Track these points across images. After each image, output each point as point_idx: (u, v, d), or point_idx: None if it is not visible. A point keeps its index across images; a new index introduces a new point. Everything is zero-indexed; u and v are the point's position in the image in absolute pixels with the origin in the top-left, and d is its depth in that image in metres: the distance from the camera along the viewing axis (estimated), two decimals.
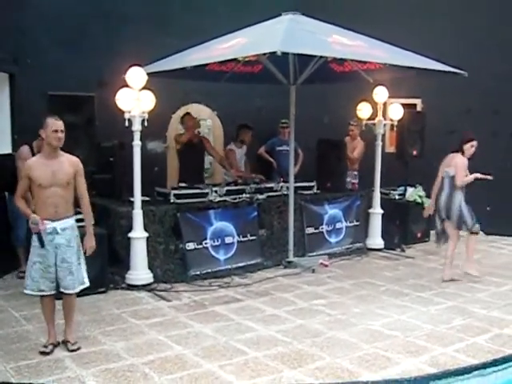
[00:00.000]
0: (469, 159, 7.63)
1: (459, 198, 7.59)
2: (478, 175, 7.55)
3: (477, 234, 7.82)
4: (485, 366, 5.04)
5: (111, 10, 9.06)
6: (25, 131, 7.71)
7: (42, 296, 5.28)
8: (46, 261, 5.15)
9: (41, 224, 5.03)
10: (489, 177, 7.65)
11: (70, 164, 5.26)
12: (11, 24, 7.69)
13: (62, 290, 5.28)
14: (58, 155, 5.20)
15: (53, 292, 5.26)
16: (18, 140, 7.75)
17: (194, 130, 8.89)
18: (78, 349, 5.28)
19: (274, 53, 5.98)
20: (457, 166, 7.53)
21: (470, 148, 7.60)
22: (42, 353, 5.19)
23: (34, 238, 5.16)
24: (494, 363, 5.08)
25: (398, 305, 6.67)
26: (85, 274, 5.39)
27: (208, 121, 10.42)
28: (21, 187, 5.21)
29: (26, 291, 5.28)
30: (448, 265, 7.72)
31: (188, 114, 9.01)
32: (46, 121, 5.18)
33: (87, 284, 5.44)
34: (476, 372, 4.95)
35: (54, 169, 5.13)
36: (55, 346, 5.32)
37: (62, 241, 5.18)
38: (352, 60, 8.13)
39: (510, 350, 5.33)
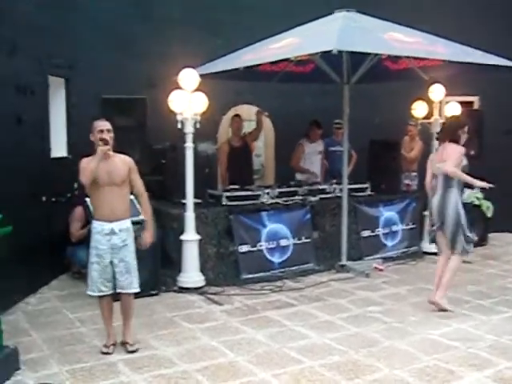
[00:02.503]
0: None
1: (455, 196, 6.38)
2: (479, 183, 6.43)
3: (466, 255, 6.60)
4: None
5: (160, 13, 9.02)
6: (80, 134, 7.79)
7: (100, 296, 5.30)
8: (103, 261, 5.19)
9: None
10: (490, 185, 6.53)
11: (123, 163, 5.26)
12: (64, 29, 7.71)
13: (119, 290, 5.29)
14: (110, 156, 5.17)
15: (111, 292, 5.29)
16: (73, 143, 7.80)
17: (240, 133, 8.82)
18: (137, 350, 5.29)
19: (330, 51, 5.83)
20: (449, 155, 6.30)
21: (463, 134, 6.50)
22: (104, 353, 5.22)
23: (92, 239, 5.20)
24: None
25: (458, 313, 6.41)
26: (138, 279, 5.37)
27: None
28: (84, 179, 5.11)
29: (88, 292, 5.34)
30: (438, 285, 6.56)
31: (236, 116, 8.95)
32: (93, 124, 5.20)
33: (138, 289, 5.40)
34: None
35: (109, 169, 5.14)
36: (115, 346, 5.33)
37: (119, 241, 5.20)
38: (408, 57, 7.89)
39: None
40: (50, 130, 7.54)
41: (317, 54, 6.85)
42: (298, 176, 9.28)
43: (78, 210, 7.47)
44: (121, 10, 8.72)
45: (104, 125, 5.18)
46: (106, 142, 5.09)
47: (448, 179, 6.35)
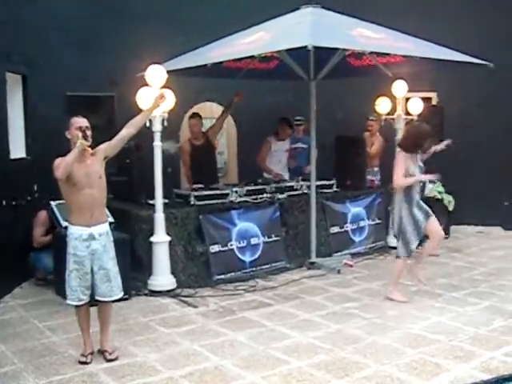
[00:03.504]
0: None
1: (398, 203, 6.53)
2: (422, 176, 6.63)
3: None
4: None
5: (122, 8, 8.79)
6: (39, 134, 7.52)
7: (79, 305, 5.07)
8: (82, 268, 4.96)
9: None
10: (435, 176, 6.86)
11: (96, 158, 5.05)
12: (22, 25, 7.41)
13: (98, 297, 5.09)
14: (87, 156, 4.96)
15: (89, 299, 5.08)
16: (31, 143, 7.50)
17: (199, 133, 8.65)
18: (117, 358, 5.08)
19: (304, 48, 5.76)
20: (395, 164, 6.51)
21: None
22: (82, 362, 5.00)
23: (70, 245, 4.95)
24: None
25: (434, 306, 6.44)
26: (120, 283, 5.18)
27: None
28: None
29: (67, 301, 5.10)
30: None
31: (192, 115, 8.74)
32: (70, 121, 4.97)
33: (122, 293, 5.23)
34: None
35: (87, 170, 4.92)
36: (92, 355, 5.10)
37: (99, 247, 4.99)
38: (372, 53, 7.91)
39: None
40: (8, 130, 7.23)
41: (287, 50, 6.77)
42: (266, 175, 9.16)
43: (42, 214, 7.21)
44: (82, 6, 8.42)
45: (83, 121, 4.97)
46: (86, 138, 4.88)
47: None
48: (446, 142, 7.06)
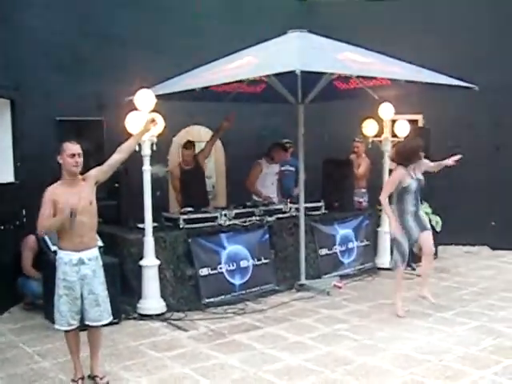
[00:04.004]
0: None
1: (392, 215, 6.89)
2: (392, 224, 6.84)
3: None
4: None
5: (109, 33, 8.82)
6: (28, 158, 7.53)
7: (68, 330, 5.04)
8: (72, 293, 4.93)
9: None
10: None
11: (86, 183, 5.06)
12: (10, 50, 7.46)
13: (87, 322, 5.07)
14: (77, 181, 4.98)
15: (78, 324, 5.05)
16: (20, 168, 7.51)
17: (191, 161, 8.71)
18: (108, 383, 5.06)
19: (293, 72, 5.83)
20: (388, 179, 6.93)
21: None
22: None
23: (59, 270, 4.94)
24: None
25: (423, 326, 6.48)
26: (109, 307, 5.17)
27: None
28: (46, 213, 4.85)
29: (56, 326, 5.06)
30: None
31: (185, 144, 8.78)
32: (62, 146, 4.97)
33: (111, 317, 5.22)
34: None
35: (78, 196, 4.90)
36: (83, 380, 5.08)
37: (88, 271, 4.98)
38: (358, 77, 8.02)
39: None
40: None
41: (275, 74, 6.84)
42: (256, 197, 9.18)
43: (30, 239, 7.19)
44: (70, 31, 8.48)
45: (76, 148, 4.97)
46: (76, 166, 4.92)
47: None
48: (456, 158, 7.01)
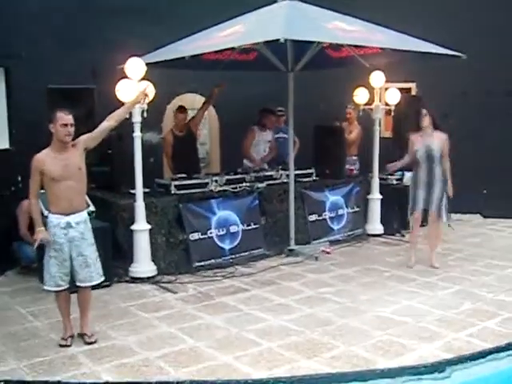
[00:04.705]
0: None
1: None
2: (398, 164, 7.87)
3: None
4: (498, 349, 5.05)
5: (102, 1, 8.87)
6: (22, 125, 7.66)
7: (57, 291, 5.25)
8: (61, 255, 5.13)
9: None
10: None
11: (76, 150, 5.21)
12: (4, 19, 7.54)
13: (77, 283, 5.27)
14: (67, 148, 5.13)
15: (68, 285, 5.26)
16: (15, 135, 7.64)
17: (184, 126, 8.82)
18: (96, 341, 5.28)
19: (278, 40, 5.92)
20: None
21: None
22: (62, 345, 5.19)
23: (49, 233, 5.13)
24: (508, 347, 5.09)
25: (406, 290, 6.67)
26: (100, 268, 5.37)
27: None
28: (34, 185, 5.10)
29: (45, 287, 5.28)
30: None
31: (177, 108, 8.90)
32: (54, 115, 5.09)
33: (103, 278, 5.42)
34: (491, 356, 4.97)
35: (66, 162, 5.09)
36: (72, 338, 5.31)
37: (77, 234, 5.16)
38: (349, 45, 8.10)
39: None
40: None
41: (264, 42, 6.93)
42: (247, 162, 9.32)
43: (25, 204, 7.33)
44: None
45: (68, 118, 5.10)
46: (69, 136, 5.09)
47: None
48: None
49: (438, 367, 4.71)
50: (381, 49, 7.74)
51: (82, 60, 8.22)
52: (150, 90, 6.75)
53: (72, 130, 5.12)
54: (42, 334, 5.51)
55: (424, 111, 7.54)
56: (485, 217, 10.80)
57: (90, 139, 5.36)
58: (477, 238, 9.30)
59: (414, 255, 7.71)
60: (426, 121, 7.49)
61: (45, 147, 5.19)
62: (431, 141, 7.44)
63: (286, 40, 5.99)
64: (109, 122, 5.55)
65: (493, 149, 10.54)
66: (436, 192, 7.48)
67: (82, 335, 5.35)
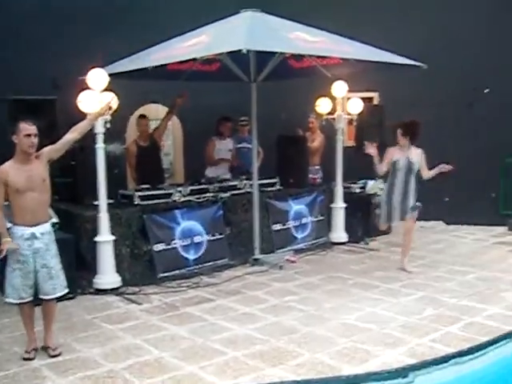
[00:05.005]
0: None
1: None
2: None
3: None
4: (461, 354, 5.12)
5: (63, 11, 8.83)
6: None
7: (20, 304, 5.18)
8: (26, 267, 5.09)
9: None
10: None
11: (40, 161, 5.17)
12: None
13: (42, 296, 5.22)
14: (30, 160, 5.09)
15: (32, 298, 5.20)
16: None
17: (147, 133, 8.81)
18: (60, 353, 5.22)
19: (240, 51, 5.97)
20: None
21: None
22: (26, 359, 5.12)
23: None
24: (470, 351, 5.17)
25: (369, 297, 6.74)
26: (64, 280, 5.32)
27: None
28: None
29: (7, 300, 5.21)
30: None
31: (140, 116, 8.91)
32: (18, 126, 5.06)
33: (67, 290, 5.38)
34: (453, 361, 5.03)
35: (30, 174, 5.06)
36: (36, 351, 5.24)
37: (41, 245, 5.13)
38: (311, 56, 8.19)
39: (482, 338, 5.40)
40: None
41: (226, 53, 6.97)
42: (209, 173, 9.32)
43: None
44: (23, 8, 8.48)
45: (32, 129, 5.07)
46: (32, 147, 5.05)
47: None
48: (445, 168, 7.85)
49: (401, 373, 4.75)
50: (343, 59, 7.85)
51: (43, 70, 8.15)
52: (114, 102, 6.72)
53: (35, 140, 5.09)
54: (5, 348, 5.44)
55: (399, 131, 7.78)
56: (447, 223, 10.97)
57: (53, 151, 5.33)
58: (439, 245, 9.44)
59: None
60: (402, 140, 7.80)
61: (7, 159, 5.13)
62: (410, 154, 7.77)
63: (248, 51, 6.03)
64: (72, 135, 5.52)
65: (453, 158, 10.70)
66: (410, 201, 7.77)
67: (45, 348, 5.30)
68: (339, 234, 9.43)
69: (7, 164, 5.10)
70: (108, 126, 6.88)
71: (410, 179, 7.78)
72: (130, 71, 7.25)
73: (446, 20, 10.60)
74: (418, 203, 7.81)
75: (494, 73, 10.64)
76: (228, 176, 9.32)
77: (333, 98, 9.25)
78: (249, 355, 5.16)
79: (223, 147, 9.46)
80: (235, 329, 5.81)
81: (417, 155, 7.80)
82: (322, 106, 9.31)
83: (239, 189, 8.68)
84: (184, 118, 9.90)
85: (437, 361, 4.98)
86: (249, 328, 5.82)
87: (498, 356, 5.28)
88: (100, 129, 6.85)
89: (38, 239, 5.12)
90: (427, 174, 7.85)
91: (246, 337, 5.60)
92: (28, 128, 5.06)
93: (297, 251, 8.78)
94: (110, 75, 6.98)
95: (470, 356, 5.10)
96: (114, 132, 7.52)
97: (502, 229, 10.41)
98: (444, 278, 7.51)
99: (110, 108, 6.18)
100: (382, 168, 7.89)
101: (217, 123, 9.48)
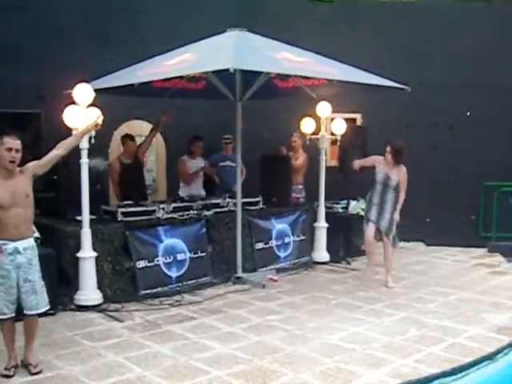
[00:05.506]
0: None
1: None
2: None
3: None
4: (444, 374, 5.15)
5: (49, 24, 8.81)
6: None
7: (1, 319, 5.10)
8: (7, 281, 5.01)
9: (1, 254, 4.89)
10: None
11: (24, 176, 5.13)
12: None
13: (25, 311, 5.15)
14: (14, 174, 5.05)
15: (13, 314, 5.12)
16: None
17: (133, 154, 8.80)
18: (41, 371, 5.13)
19: (227, 70, 5.99)
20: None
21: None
22: (5, 376, 5.03)
23: None
24: (453, 372, 5.20)
25: (352, 317, 6.73)
26: (46, 296, 5.25)
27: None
28: None
29: None
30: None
31: (127, 136, 8.89)
32: (1, 139, 5.00)
33: (48, 306, 5.32)
34: (436, 381, 5.06)
35: (14, 189, 4.99)
36: (16, 368, 5.15)
37: (24, 260, 5.06)
38: (296, 76, 8.24)
39: (465, 359, 5.45)
40: None
41: (213, 72, 6.99)
42: (182, 192, 9.36)
43: None
44: (7, 20, 8.45)
45: (14, 144, 5.01)
46: (13, 162, 4.99)
47: None
48: None
49: None
50: (327, 80, 7.90)
51: (28, 83, 8.11)
52: (100, 119, 6.70)
53: (17, 155, 5.03)
54: None
55: (388, 148, 8.02)
56: (428, 245, 11.04)
57: (38, 166, 5.29)
58: (421, 266, 9.49)
59: (374, 264, 8.47)
60: (389, 157, 8.02)
61: None
62: (391, 171, 8.01)
63: (235, 70, 6.06)
64: (58, 151, 5.49)
65: (435, 179, 10.84)
66: (386, 216, 8.06)
67: (26, 365, 5.20)
68: (321, 253, 9.45)
69: None
70: (93, 141, 6.86)
71: (387, 194, 8.07)
72: (116, 87, 7.24)
73: (429, 41, 10.76)
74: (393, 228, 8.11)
75: (477, 96, 10.82)
76: (203, 193, 9.35)
77: (317, 118, 9.30)
78: (232, 375, 5.12)
79: (193, 165, 9.50)
80: (218, 348, 5.77)
81: (397, 174, 8.02)
82: (307, 125, 9.36)
83: (222, 207, 8.66)
84: (167, 135, 9.89)
85: (421, 381, 5.01)
86: (232, 347, 5.78)
87: (480, 377, 5.33)
88: (85, 144, 6.80)
89: (20, 254, 5.05)
90: (402, 193, 8.10)
91: (229, 356, 5.56)
92: (10, 141, 5.01)
93: (279, 270, 8.76)
94: (95, 90, 6.97)
95: (453, 377, 5.14)
96: (97, 147, 7.50)
97: (482, 251, 10.53)
98: (425, 299, 7.54)
99: (96, 125, 6.16)
100: (357, 163, 8.39)
101: (188, 142, 9.53)
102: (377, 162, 8.17)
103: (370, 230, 8.16)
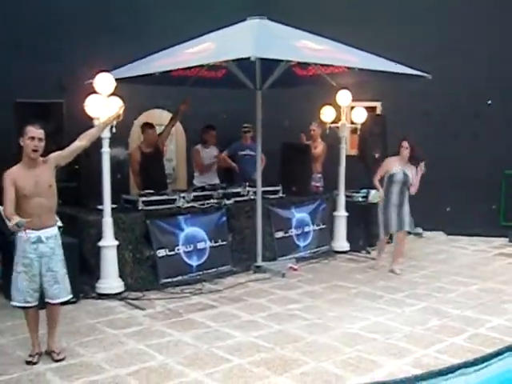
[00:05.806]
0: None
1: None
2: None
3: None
4: (466, 365, 5.11)
5: (71, 15, 8.81)
6: None
7: (25, 307, 5.15)
8: (31, 270, 5.06)
9: (25, 233, 4.87)
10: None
11: (47, 166, 5.16)
12: None
13: (47, 299, 5.20)
14: (38, 164, 5.08)
15: (37, 302, 5.17)
16: None
17: (153, 143, 8.82)
18: (64, 358, 5.20)
19: (248, 59, 5.97)
20: None
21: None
22: (29, 362, 5.10)
23: (19, 248, 5.05)
24: (475, 362, 5.16)
25: (373, 307, 6.73)
26: (69, 285, 5.29)
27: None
28: (9, 198, 4.91)
29: (13, 303, 5.18)
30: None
31: (147, 124, 8.91)
32: (25, 129, 5.03)
33: (70, 295, 5.36)
34: (459, 371, 5.03)
35: (37, 179, 5.02)
36: (40, 356, 5.21)
37: (47, 249, 5.10)
38: (316, 64, 8.21)
39: (487, 349, 5.41)
40: None
41: (234, 60, 6.98)
42: (197, 182, 9.36)
43: None
44: (30, 12, 8.47)
45: (37, 133, 5.03)
46: (36, 151, 5.01)
47: None
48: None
49: (407, 383, 4.75)
50: (348, 68, 7.86)
51: (51, 73, 8.14)
52: (122, 109, 6.72)
53: (40, 144, 5.05)
54: (9, 352, 5.41)
55: (405, 144, 8.05)
56: (448, 234, 10.98)
57: (61, 157, 5.32)
58: (441, 255, 9.45)
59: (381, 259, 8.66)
60: (406, 152, 8.05)
61: (14, 163, 5.11)
62: (406, 168, 8.07)
63: (256, 58, 6.04)
64: (81, 142, 5.50)
65: (455, 168, 10.75)
66: (405, 211, 8.16)
67: (49, 352, 5.27)
68: (341, 242, 9.43)
69: (15, 168, 5.07)
70: (114, 130, 6.88)
71: (405, 191, 8.14)
72: (137, 76, 7.25)
73: (449, 31, 10.66)
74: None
75: (497, 85, 10.71)
76: (217, 181, 9.38)
77: (337, 107, 9.26)
78: (254, 363, 5.15)
79: (207, 155, 9.52)
80: (239, 336, 5.80)
81: (410, 170, 8.11)
82: (327, 114, 9.32)
83: (243, 196, 8.67)
84: (187, 124, 9.89)
85: (443, 371, 4.97)
86: (253, 335, 5.80)
87: (503, 368, 5.29)
88: (106, 133, 6.83)
89: (43, 243, 5.09)
90: (414, 190, 8.18)
91: (250, 344, 5.58)
92: (33, 131, 5.03)
93: (299, 259, 8.76)
94: (116, 80, 6.99)
95: (476, 367, 5.09)
96: (118, 137, 7.52)
97: (503, 240, 10.46)
98: (446, 288, 7.51)
99: (118, 116, 6.17)
100: (376, 179, 8.29)
101: (201, 131, 9.54)
102: (390, 164, 8.18)
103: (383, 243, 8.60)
